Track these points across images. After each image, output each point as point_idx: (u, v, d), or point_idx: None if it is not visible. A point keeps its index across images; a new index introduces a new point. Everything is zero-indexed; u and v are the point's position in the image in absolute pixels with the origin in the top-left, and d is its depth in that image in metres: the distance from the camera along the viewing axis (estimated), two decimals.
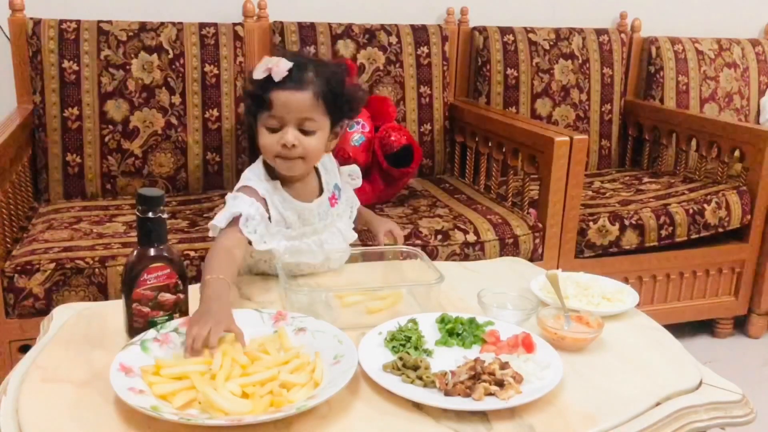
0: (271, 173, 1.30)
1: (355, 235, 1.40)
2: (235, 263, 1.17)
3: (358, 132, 2.09)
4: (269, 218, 1.26)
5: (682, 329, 2.35)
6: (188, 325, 1.00)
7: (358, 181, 1.44)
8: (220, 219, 1.21)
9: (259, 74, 1.22)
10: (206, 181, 2.27)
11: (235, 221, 1.21)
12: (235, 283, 1.18)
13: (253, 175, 1.29)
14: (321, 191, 1.35)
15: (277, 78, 1.20)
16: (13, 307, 1.65)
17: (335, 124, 1.28)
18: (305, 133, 1.23)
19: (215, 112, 2.25)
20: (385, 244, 1.43)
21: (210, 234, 1.25)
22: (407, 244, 1.75)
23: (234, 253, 1.18)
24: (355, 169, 1.43)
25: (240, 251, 1.20)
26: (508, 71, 2.60)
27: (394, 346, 1.04)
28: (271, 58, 1.22)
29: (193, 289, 1.11)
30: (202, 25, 2.25)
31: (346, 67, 1.33)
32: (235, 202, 1.22)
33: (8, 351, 1.68)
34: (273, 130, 1.23)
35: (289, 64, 1.21)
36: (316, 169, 1.35)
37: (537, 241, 2.03)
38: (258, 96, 1.23)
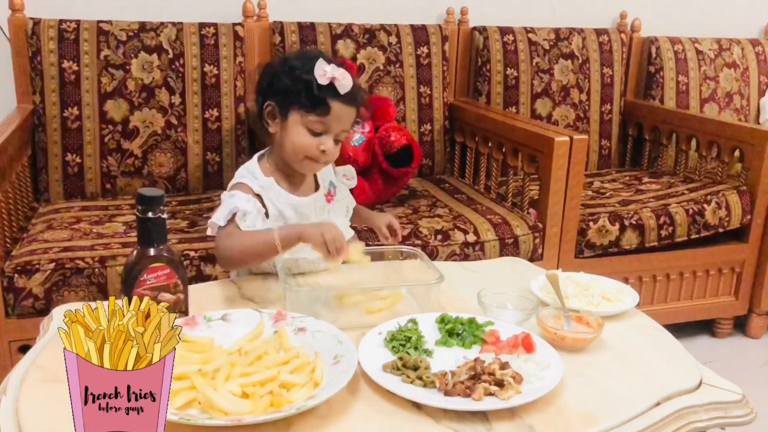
0: (266, 170, 1.31)
1: (352, 232, 1.41)
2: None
3: (358, 132, 2.09)
4: (267, 214, 1.27)
5: (682, 329, 2.35)
6: (312, 241, 1.14)
7: (353, 182, 1.45)
8: (218, 217, 1.22)
9: (322, 79, 1.22)
10: (206, 181, 2.27)
11: (233, 218, 1.22)
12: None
13: (247, 172, 1.30)
14: (317, 188, 1.37)
15: (342, 91, 1.23)
16: (13, 307, 1.65)
17: None
18: (336, 141, 1.28)
19: (215, 112, 2.25)
20: (387, 240, 1.43)
21: (209, 232, 1.26)
22: (407, 244, 1.75)
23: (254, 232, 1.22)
24: (349, 170, 1.44)
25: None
26: (508, 71, 2.60)
27: (394, 346, 1.04)
28: (333, 66, 1.23)
29: (193, 289, 1.11)
30: (202, 25, 2.25)
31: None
32: (232, 200, 1.23)
33: (8, 351, 1.68)
34: (315, 134, 1.25)
35: (352, 82, 1.25)
36: None
37: (537, 241, 2.03)
38: (315, 97, 1.23)
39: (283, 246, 1.18)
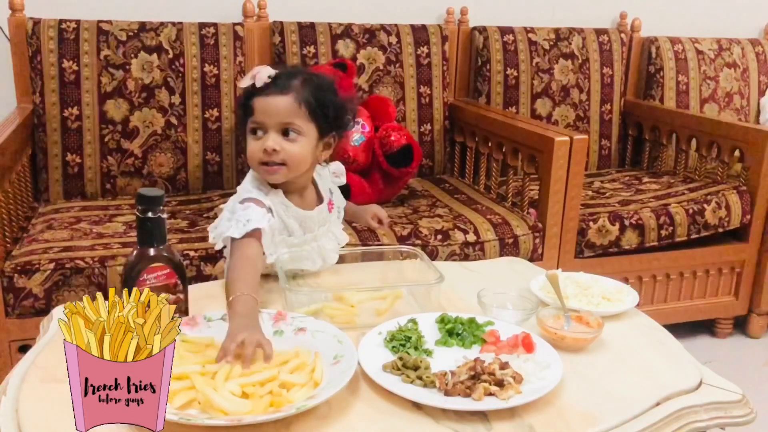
0: (271, 183, 1.28)
1: (347, 238, 1.40)
2: (258, 275, 1.15)
3: (358, 132, 2.09)
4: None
5: (682, 329, 2.35)
6: (225, 342, 0.95)
7: (342, 179, 1.42)
8: (233, 230, 1.17)
9: (244, 83, 1.23)
10: (206, 181, 2.27)
11: (253, 233, 1.18)
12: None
13: (252, 187, 1.26)
14: (321, 200, 1.35)
15: (258, 83, 1.20)
16: (13, 307, 1.65)
17: (324, 134, 1.26)
18: (287, 139, 1.21)
19: (215, 112, 2.25)
20: (378, 230, 1.41)
21: (217, 246, 1.23)
22: (407, 244, 1.75)
23: (257, 266, 1.16)
24: (339, 167, 1.41)
25: (261, 262, 1.19)
26: (508, 71, 2.60)
27: (394, 346, 1.04)
28: (256, 67, 1.23)
29: (193, 289, 1.11)
30: (201, 25, 2.25)
31: (338, 80, 1.32)
32: (249, 213, 1.19)
33: (8, 351, 1.68)
34: (256, 138, 1.22)
35: (271, 71, 1.22)
36: (313, 180, 1.34)
37: (537, 241, 2.03)
38: (243, 104, 1.24)
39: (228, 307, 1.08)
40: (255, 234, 1.18)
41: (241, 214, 1.18)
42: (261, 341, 0.95)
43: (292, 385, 0.91)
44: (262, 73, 1.21)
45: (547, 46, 2.66)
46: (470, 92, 2.65)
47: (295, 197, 1.28)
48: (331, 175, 1.40)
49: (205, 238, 1.79)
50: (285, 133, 1.21)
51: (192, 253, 1.72)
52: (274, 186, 1.26)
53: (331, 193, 1.37)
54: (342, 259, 1.38)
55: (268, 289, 1.28)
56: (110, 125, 2.16)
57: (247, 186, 1.26)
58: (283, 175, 1.23)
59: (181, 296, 1.07)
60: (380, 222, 1.45)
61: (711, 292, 2.41)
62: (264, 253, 1.21)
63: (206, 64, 2.23)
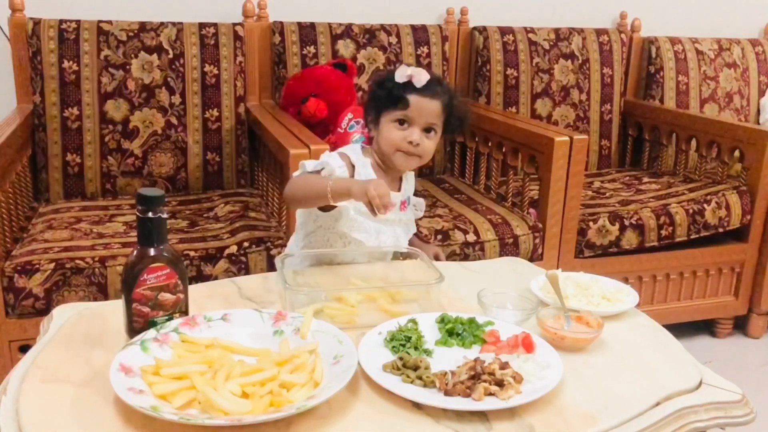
0: (366, 154, 1.44)
1: (407, 245, 1.48)
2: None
3: (358, 132, 2.09)
4: None
5: (682, 329, 2.35)
6: (358, 195, 1.23)
7: (420, 213, 1.57)
8: (309, 164, 1.37)
9: (401, 78, 1.38)
10: (206, 181, 2.28)
11: (319, 172, 1.35)
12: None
13: (351, 148, 1.45)
14: (400, 191, 1.48)
15: (418, 84, 1.37)
16: (13, 307, 1.65)
17: (444, 134, 1.45)
18: (427, 136, 1.40)
19: (215, 112, 2.25)
20: None
21: (295, 173, 1.40)
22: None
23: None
24: (420, 203, 1.56)
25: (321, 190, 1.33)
26: (508, 71, 2.60)
27: (393, 346, 1.04)
28: (412, 67, 1.39)
29: (193, 289, 1.11)
30: (202, 25, 2.25)
31: (460, 91, 1.46)
32: (327, 158, 1.37)
33: (8, 351, 1.68)
34: (402, 128, 1.38)
35: (429, 76, 1.38)
36: (400, 178, 1.50)
37: (537, 241, 2.03)
38: (395, 95, 1.38)
39: (333, 196, 1.28)
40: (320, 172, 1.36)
41: (324, 158, 1.38)
42: (379, 186, 1.20)
43: (292, 385, 0.91)
44: (422, 76, 1.37)
45: (547, 46, 2.66)
46: (470, 92, 2.65)
47: (381, 175, 1.43)
48: (412, 207, 1.54)
49: (205, 238, 1.79)
50: (427, 130, 1.40)
51: (192, 253, 1.72)
52: (369, 158, 1.43)
53: (409, 202, 1.51)
54: (342, 260, 1.41)
55: (268, 288, 1.28)
56: (110, 125, 2.16)
57: (346, 147, 1.46)
58: (414, 164, 1.43)
59: (181, 296, 1.07)
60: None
61: (711, 292, 2.41)
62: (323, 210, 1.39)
63: (206, 64, 2.24)
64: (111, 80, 2.15)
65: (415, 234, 1.56)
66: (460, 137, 2.52)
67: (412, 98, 1.37)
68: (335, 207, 1.38)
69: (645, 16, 2.90)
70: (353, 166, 1.40)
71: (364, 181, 1.27)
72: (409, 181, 1.52)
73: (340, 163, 1.37)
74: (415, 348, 1.03)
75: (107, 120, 2.16)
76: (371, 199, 1.20)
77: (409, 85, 1.37)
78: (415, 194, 1.52)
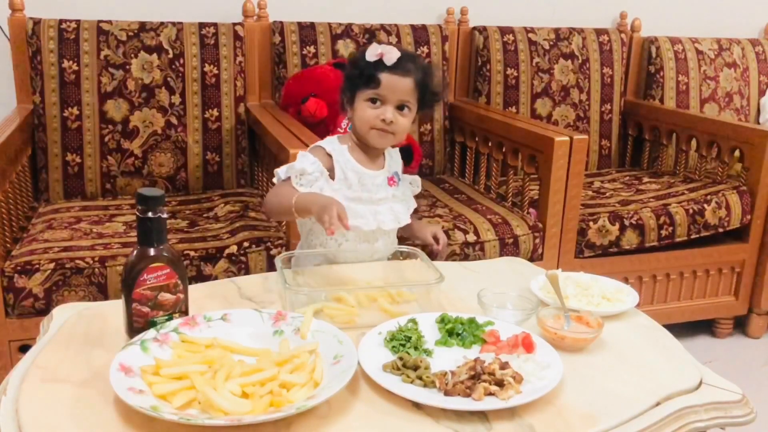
0: (342, 141, 1.45)
1: (408, 220, 1.50)
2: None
3: None
4: (333, 176, 1.41)
5: (682, 329, 2.35)
6: (315, 214, 1.26)
7: (417, 189, 1.57)
8: (283, 169, 1.41)
9: (371, 56, 1.38)
10: (206, 181, 2.27)
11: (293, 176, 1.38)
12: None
13: (326, 140, 1.47)
14: (383, 168, 1.49)
15: (389, 62, 1.37)
16: (13, 307, 1.65)
17: (419, 110, 1.46)
18: (401, 114, 1.40)
19: (215, 112, 2.25)
20: (431, 249, 1.56)
21: (274, 179, 1.44)
22: (407, 244, 1.75)
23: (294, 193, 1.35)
24: (416, 179, 1.57)
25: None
26: (508, 71, 2.60)
27: (393, 346, 1.04)
28: (382, 45, 1.39)
29: (193, 289, 1.11)
30: (201, 25, 2.25)
31: (435, 65, 1.43)
32: (300, 159, 1.40)
33: (8, 351, 1.68)
34: (375, 107, 1.39)
35: (399, 53, 1.38)
36: (384, 156, 1.51)
37: (537, 241, 2.03)
38: (367, 74, 1.38)
39: (298, 212, 1.33)
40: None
41: (297, 160, 1.40)
42: (337, 209, 1.22)
43: (292, 385, 0.91)
44: (393, 54, 1.37)
45: (547, 46, 2.66)
46: (470, 92, 2.65)
47: (360, 156, 1.44)
48: (408, 184, 1.54)
49: (205, 238, 1.79)
50: (400, 107, 1.40)
51: (192, 253, 1.72)
52: (345, 144, 1.44)
53: (397, 176, 1.51)
54: (343, 260, 1.42)
55: (268, 288, 1.28)
56: (110, 125, 2.16)
57: (322, 140, 1.47)
58: (390, 141, 1.44)
59: (181, 296, 1.07)
60: (437, 242, 1.57)
61: (711, 292, 2.41)
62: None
63: (206, 64, 2.23)
64: (111, 80, 2.15)
65: (414, 212, 1.55)
66: (460, 137, 2.52)
67: (384, 76, 1.37)
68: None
69: (645, 16, 2.90)
70: (330, 156, 1.41)
71: (322, 203, 1.27)
72: (394, 157, 1.52)
73: (312, 160, 1.39)
74: (415, 348, 1.03)
75: (107, 120, 2.16)
76: (323, 222, 1.23)
77: (380, 64, 1.37)
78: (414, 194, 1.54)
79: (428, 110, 1.51)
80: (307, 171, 1.37)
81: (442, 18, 2.65)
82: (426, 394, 0.92)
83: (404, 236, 1.58)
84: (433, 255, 1.56)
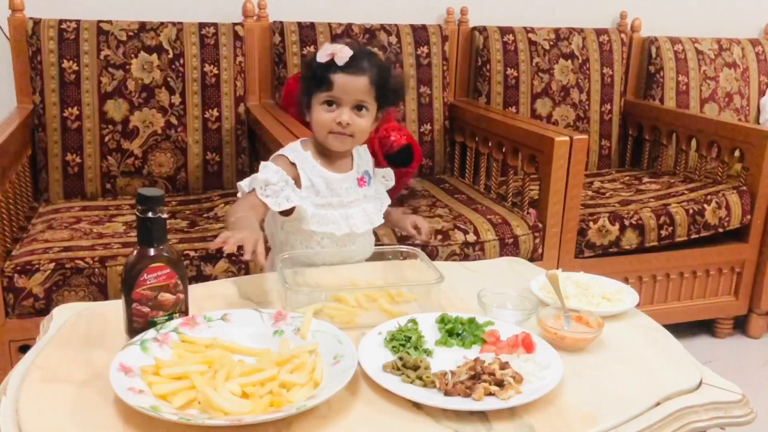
0: (305, 147, 1.41)
1: (381, 220, 1.46)
2: (256, 212, 1.31)
3: None
4: (300, 184, 1.36)
5: (682, 329, 2.35)
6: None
7: (391, 182, 1.53)
8: (246, 181, 1.34)
9: (322, 57, 1.33)
10: (206, 181, 2.28)
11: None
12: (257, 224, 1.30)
13: (289, 148, 1.41)
14: (351, 169, 1.44)
15: (340, 62, 1.32)
16: (13, 307, 1.65)
17: (380, 109, 1.41)
18: (358, 114, 1.35)
19: (215, 112, 2.25)
20: (416, 240, 1.53)
21: (238, 194, 1.38)
22: (407, 245, 1.75)
23: (256, 206, 1.31)
24: (388, 172, 1.53)
25: (257, 211, 1.32)
26: (508, 71, 2.60)
27: (393, 346, 1.04)
28: (333, 45, 1.34)
29: (193, 289, 1.11)
30: (201, 25, 2.25)
31: (394, 60, 1.39)
32: (263, 170, 1.33)
33: (8, 351, 1.68)
34: (330, 109, 1.35)
35: (350, 51, 1.33)
36: (352, 156, 1.47)
37: (537, 241, 2.03)
38: (319, 76, 1.34)
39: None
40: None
41: (260, 170, 1.33)
42: (244, 237, 1.13)
43: (292, 385, 0.91)
44: (344, 53, 1.32)
45: (547, 46, 2.66)
46: (470, 92, 2.65)
47: (326, 160, 1.40)
48: (381, 178, 1.51)
49: (205, 238, 1.79)
50: (357, 108, 1.35)
51: (192, 253, 1.72)
52: (309, 150, 1.40)
53: (368, 176, 1.46)
54: (321, 262, 1.40)
55: (268, 288, 1.28)
56: (110, 125, 2.16)
57: (285, 147, 1.42)
58: (350, 143, 1.38)
59: (181, 296, 1.07)
60: (419, 231, 1.52)
61: (711, 292, 2.41)
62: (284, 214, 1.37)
63: (206, 64, 2.24)
64: (111, 80, 2.15)
65: (390, 206, 1.51)
66: (460, 137, 2.52)
67: (337, 77, 1.32)
68: (293, 210, 1.35)
69: (645, 16, 2.90)
70: (294, 165, 1.37)
71: (244, 235, 1.15)
72: (363, 156, 1.47)
73: (275, 169, 1.33)
74: (415, 348, 1.03)
75: (107, 120, 2.16)
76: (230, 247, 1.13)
77: (332, 64, 1.32)
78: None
79: (392, 108, 1.46)
80: (271, 181, 1.31)
81: (442, 18, 2.65)
82: (426, 394, 0.92)
83: (388, 227, 1.54)
84: (419, 245, 1.53)
